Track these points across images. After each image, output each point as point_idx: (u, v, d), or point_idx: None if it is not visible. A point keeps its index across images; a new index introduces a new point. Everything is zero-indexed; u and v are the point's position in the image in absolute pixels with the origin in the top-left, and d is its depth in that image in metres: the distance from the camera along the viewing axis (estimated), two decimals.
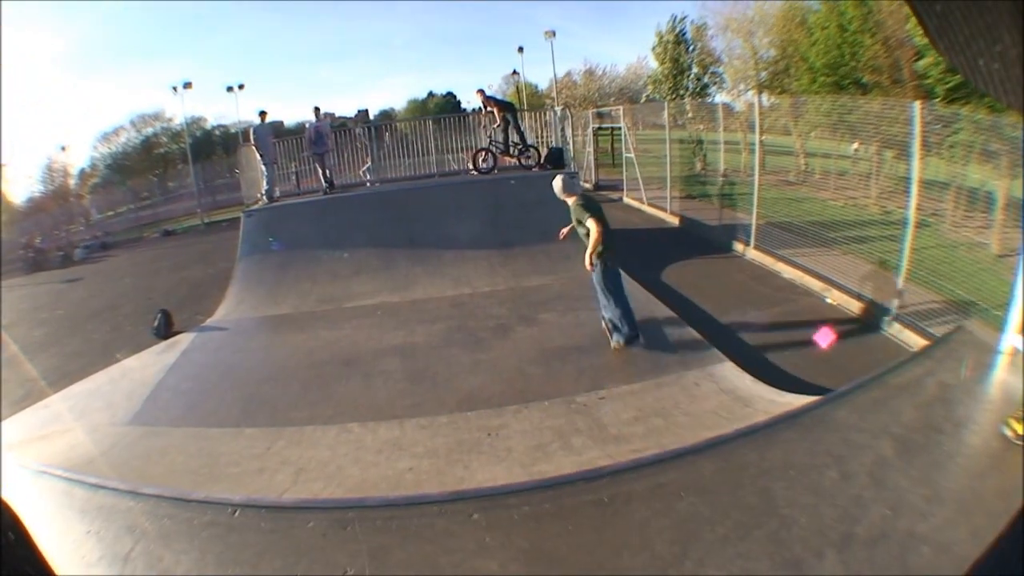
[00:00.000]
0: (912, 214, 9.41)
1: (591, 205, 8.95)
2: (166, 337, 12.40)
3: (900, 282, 9.37)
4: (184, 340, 11.86)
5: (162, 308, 13.19)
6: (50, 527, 4.19)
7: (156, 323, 12.78)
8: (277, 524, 3.82)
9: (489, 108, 17.72)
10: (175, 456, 7.47)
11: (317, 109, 18.32)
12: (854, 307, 10.05)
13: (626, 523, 3.31)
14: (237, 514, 3.96)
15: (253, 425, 7.99)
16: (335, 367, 9.36)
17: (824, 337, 8.77)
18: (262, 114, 18.13)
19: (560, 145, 18.48)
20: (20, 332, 16.82)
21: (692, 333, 9.07)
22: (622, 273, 9.01)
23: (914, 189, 9.46)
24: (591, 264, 8.70)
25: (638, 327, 8.73)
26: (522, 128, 17.83)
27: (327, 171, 17.91)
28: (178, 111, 55.36)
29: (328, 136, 18.00)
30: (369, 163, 19.96)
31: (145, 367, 10.83)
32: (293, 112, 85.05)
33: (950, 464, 3.16)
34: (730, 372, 7.74)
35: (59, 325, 16.72)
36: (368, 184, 19.18)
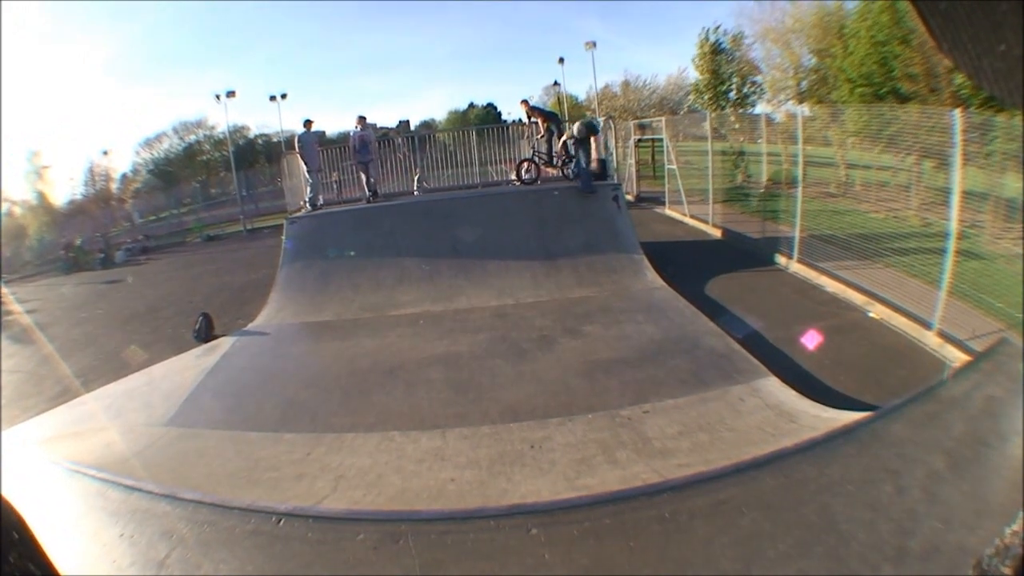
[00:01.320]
0: (954, 226, 9.26)
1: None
2: (207, 340, 12.45)
3: (942, 296, 9.21)
4: (225, 344, 11.89)
5: (203, 311, 13.25)
6: (80, 528, 4.15)
7: (197, 326, 12.84)
8: (325, 535, 3.73)
9: (534, 118, 17.74)
10: (212, 459, 7.45)
11: (362, 118, 18.30)
12: (897, 321, 9.88)
13: (689, 540, 3.24)
14: (282, 523, 3.88)
15: (293, 431, 7.95)
16: (377, 375, 9.32)
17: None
18: (307, 123, 18.23)
19: (603, 156, 18.41)
20: (58, 331, 17.02)
21: (737, 347, 8.93)
22: None
23: (955, 200, 9.31)
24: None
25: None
26: (566, 139, 17.80)
27: (371, 180, 17.88)
28: (221, 119, 56.18)
29: (372, 145, 18.00)
30: (419, 173, 20.01)
31: (184, 369, 10.87)
32: (335, 122, 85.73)
33: (996, 478, 3.11)
34: (775, 387, 7.62)
35: (98, 325, 16.91)
36: (416, 193, 19.21)
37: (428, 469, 6.34)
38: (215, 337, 12.56)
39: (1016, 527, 0.89)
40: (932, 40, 0.74)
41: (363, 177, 17.98)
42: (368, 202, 17.47)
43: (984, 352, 6.84)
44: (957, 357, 8.51)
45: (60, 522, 4.08)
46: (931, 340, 9.07)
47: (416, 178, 19.89)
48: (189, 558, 3.71)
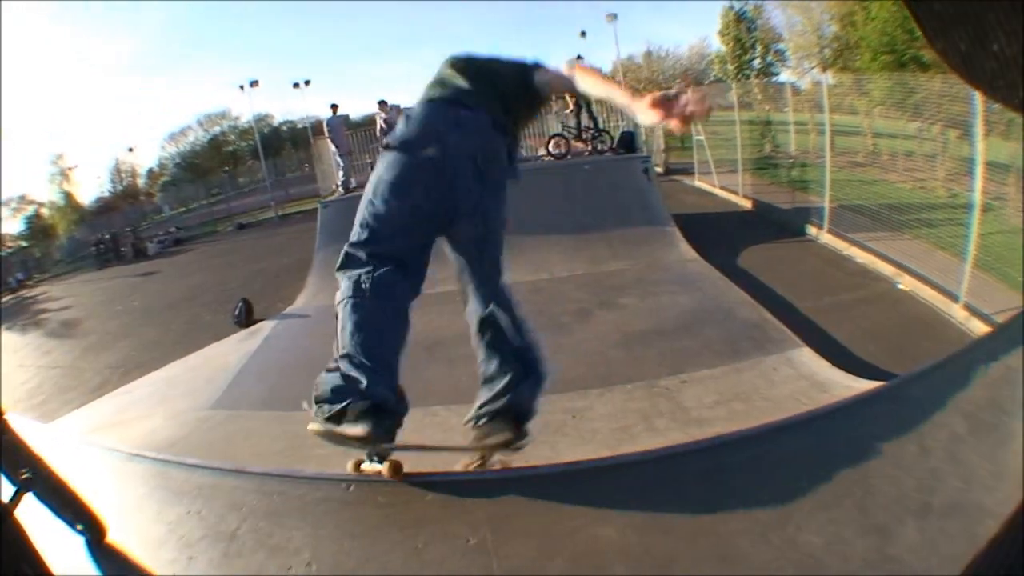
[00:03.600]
0: (978, 198, 9.28)
1: None
2: (247, 325, 12.62)
3: (967, 268, 9.27)
4: (265, 327, 12.07)
5: (243, 297, 13.43)
6: (142, 510, 4.16)
7: (237, 311, 13.02)
8: (394, 498, 3.81)
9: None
10: (259, 439, 7.60)
11: (383, 102, 18.47)
12: (925, 293, 9.98)
13: (731, 493, 3.39)
14: (352, 489, 3.99)
15: None
16: (418, 351, 9.22)
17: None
18: (334, 107, 18.50)
19: (631, 129, 18.41)
20: (94, 324, 17.35)
21: (769, 318, 9.04)
22: None
23: (979, 171, 9.33)
24: None
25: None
26: (594, 112, 17.78)
27: None
28: (245, 109, 56.47)
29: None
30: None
31: (226, 354, 11.05)
32: (359, 106, 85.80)
33: (1014, 443, 3.22)
34: (808, 357, 7.73)
35: (135, 316, 17.17)
36: None
37: None
38: (255, 322, 12.75)
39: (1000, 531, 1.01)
40: (926, 39, 0.81)
41: None
42: None
43: (1003, 324, 6.94)
44: (980, 328, 8.63)
45: (121, 507, 4.02)
46: (957, 313, 9.16)
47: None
48: (261, 528, 3.77)
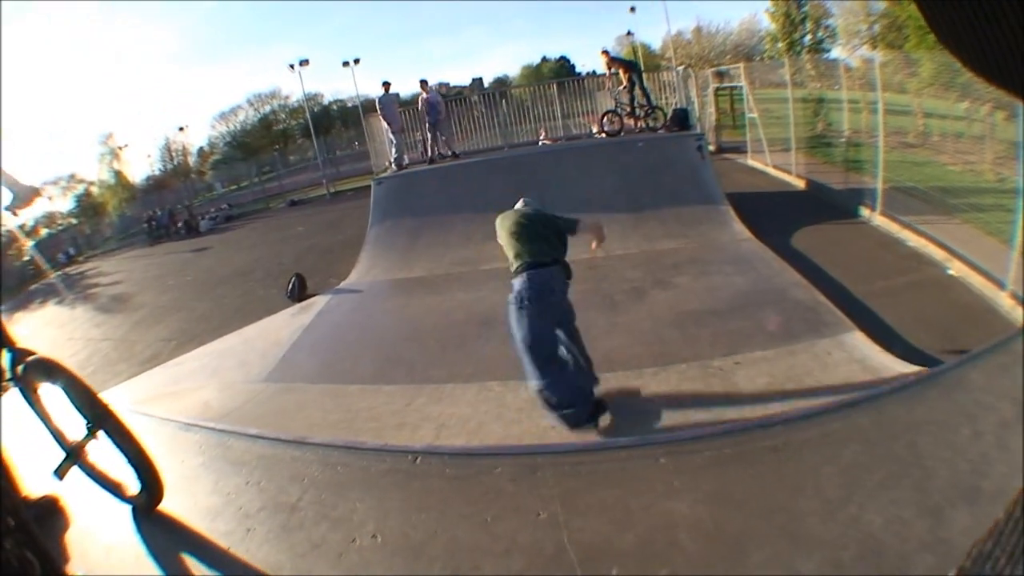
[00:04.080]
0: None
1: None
2: (300, 300, 12.77)
3: (1015, 256, 9.09)
4: (319, 302, 12.19)
5: (296, 272, 13.57)
6: (199, 481, 4.28)
7: (290, 286, 13.19)
8: (462, 471, 3.88)
9: (614, 69, 17.64)
10: (312, 411, 7.71)
11: (424, 82, 18.61)
12: (973, 280, 9.82)
13: (800, 468, 3.46)
14: (419, 461, 4.03)
15: (391, 382, 8.16)
16: (473, 327, 9.51)
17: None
18: (386, 84, 18.54)
19: (684, 106, 18.28)
20: (145, 298, 17.60)
21: (823, 300, 8.99)
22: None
23: (1023, 155, 9.16)
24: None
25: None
26: (647, 89, 17.66)
27: (443, 139, 18.32)
28: (295, 88, 56.95)
29: (439, 106, 18.30)
30: (543, 134, 20.49)
31: (279, 328, 11.18)
32: (410, 84, 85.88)
33: None
34: (860, 341, 7.68)
35: (188, 291, 17.38)
36: (541, 143, 19.67)
37: (528, 417, 6.48)
38: (308, 296, 12.90)
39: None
40: (931, 28, 0.79)
41: (428, 139, 18.39)
42: (430, 163, 17.92)
43: None
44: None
45: (176, 477, 4.18)
46: (1004, 301, 9.02)
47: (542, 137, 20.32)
48: (323, 499, 3.85)
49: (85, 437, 3.60)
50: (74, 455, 3.71)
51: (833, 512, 3.07)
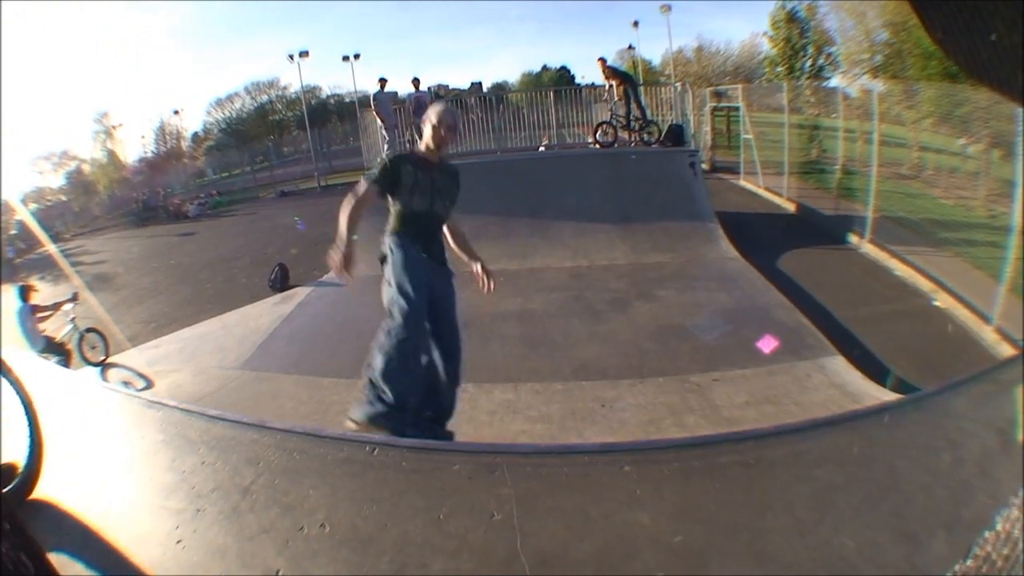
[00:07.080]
0: (1018, 221, 9.12)
1: None
2: (282, 290, 12.70)
3: (1002, 291, 9.13)
4: (300, 293, 12.16)
5: (279, 261, 13.50)
6: (156, 458, 4.21)
7: (273, 275, 13.13)
8: (420, 464, 3.80)
9: (610, 81, 17.63)
10: (284, 401, 7.70)
11: (416, 80, 18.84)
12: (959, 312, 9.83)
13: (770, 486, 3.35)
14: (376, 452, 3.95)
15: None
16: None
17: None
18: (382, 81, 18.56)
19: (680, 122, 18.31)
20: (128, 279, 17.45)
21: (805, 323, 8.99)
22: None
23: (1019, 194, 9.17)
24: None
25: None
26: (643, 102, 17.68)
27: None
28: (294, 79, 56.73)
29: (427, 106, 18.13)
30: (546, 141, 20.47)
31: (259, 316, 11.15)
32: (408, 83, 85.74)
33: None
34: (841, 366, 7.69)
35: (170, 274, 17.27)
36: (542, 150, 19.73)
37: (500, 420, 6.47)
38: (291, 287, 12.82)
39: (989, 535, 0.96)
40: (926, 30, 0.80)
41: (417, 137, 18.18)
42: None
43: None
44: (1011, 354, 8.47)
45: (133, 453, 4.23)
46: (988, 335, 9.03)
47: (544, 143, 20.36)
48: (277, 484, 3.77)
49: None
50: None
51: (803, 533, 2.97)
